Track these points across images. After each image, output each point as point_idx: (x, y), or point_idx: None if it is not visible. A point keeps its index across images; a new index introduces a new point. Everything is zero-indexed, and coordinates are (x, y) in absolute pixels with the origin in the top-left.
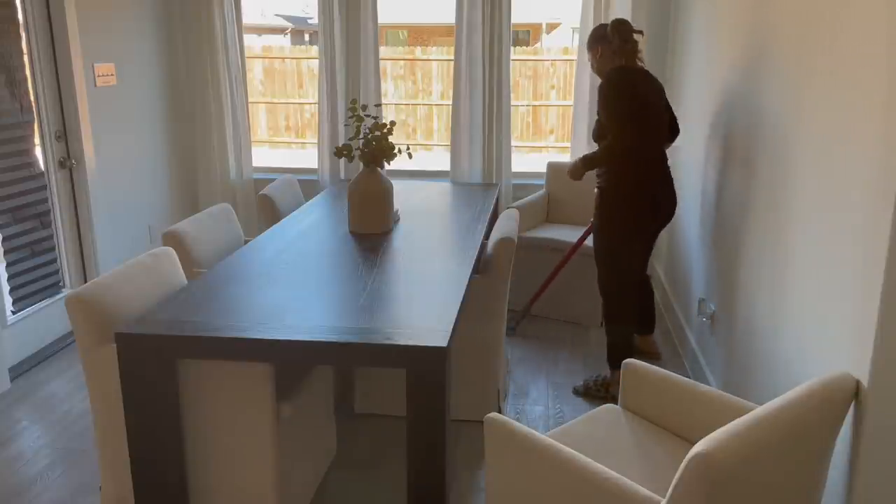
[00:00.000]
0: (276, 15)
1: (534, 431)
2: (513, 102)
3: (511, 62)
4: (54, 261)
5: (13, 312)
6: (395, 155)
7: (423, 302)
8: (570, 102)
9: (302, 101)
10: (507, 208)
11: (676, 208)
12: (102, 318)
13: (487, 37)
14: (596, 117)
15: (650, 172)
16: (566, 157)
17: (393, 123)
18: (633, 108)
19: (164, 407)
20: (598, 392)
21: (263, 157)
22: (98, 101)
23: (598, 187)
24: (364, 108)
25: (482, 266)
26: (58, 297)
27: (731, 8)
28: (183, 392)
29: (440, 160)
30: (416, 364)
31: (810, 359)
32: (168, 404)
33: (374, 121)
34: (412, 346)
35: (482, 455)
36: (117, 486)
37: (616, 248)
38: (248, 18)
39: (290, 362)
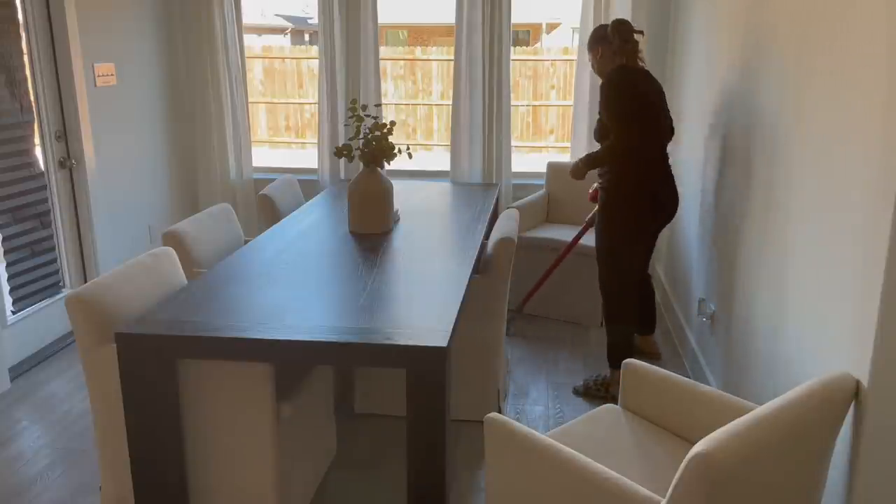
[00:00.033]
0: (276, 15)
1: (534, 431)
2: (513, 102)
3: (511, 62)
4: (54, 261)
5: (13, 312)
6: (395, 155)
7: (423, 302)
8: (570, 102)
9: (302, 101)
10: (507, 208)
11: (679, 207)
12: (102, 318)
13: (487, 37)
14: (598, 117)
15: (651, 172)
16: (566, 158)
17: (393, 123)
18: (633, 107)
19: (164, 407)
20: (599, 392)
21: (263, 157)
22: (98, 101)
23: (601, 187)
24: (364, 108)
25: (482, 266)
26: (58, 297)
27: (730, 8)
28: (183, 392)
29: (440, 160)
30: (416, 364)
31: (810, 359)
32: (168, 404)
33: (374, 121)
34: (412, 346)
35: (482, 455)
36: (117, 486)
37: (617, 248)
38: (248, 18)
39: (290, 362)
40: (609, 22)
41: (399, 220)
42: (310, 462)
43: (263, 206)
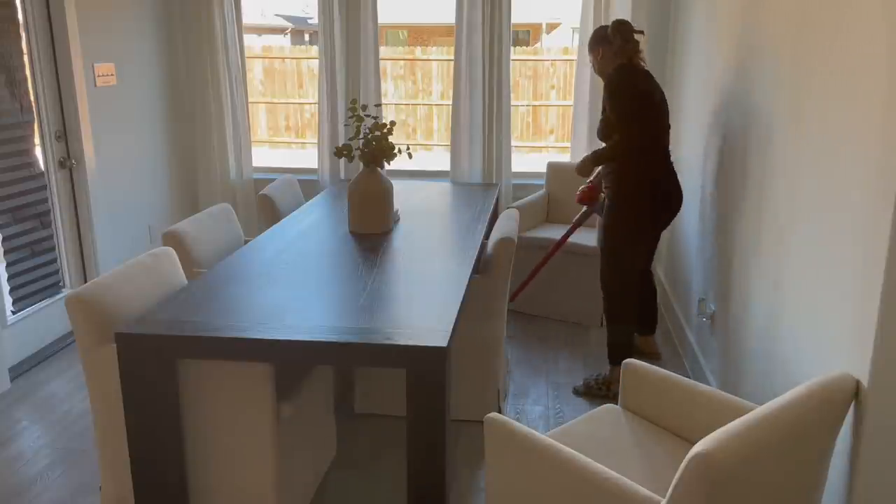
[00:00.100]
0: (276, 15)
1: (534, 431)
2: (513, 102)
3: (511, 62)
4: (54, 261)
5: (13, 312)
6: (395, 155)
7: (423, 302)
8: (570, 102)
9: (302, 101)
10: (507, 208)
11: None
12: (102, 318)
13: (487, 37)
14: (600, 116)
15: (653, 170)
16: (566, 157)
17: (393, 123)
18: (633, 107)
19: (164, 407)
20: (600, 391)
21: (263, 157)
22: (98, 101)
23: (606, 187)
24: (364, 108)
25: (482, 266)
26: (58, 297)
27: (730, 8)
28: (183, 392)
29: (440, 160)
30: (416, 364)
31: (810, 359)
32: (168, 404)
33: (374, 121)
34: (412, 346)
35: (482, 455)
36: (117, 486)
37: (618, 248)
38: (248, 18)
39: (290, 362)
40: (609, 22)
41: (399, 220)
42: (310, 462)
43: (263, 206)
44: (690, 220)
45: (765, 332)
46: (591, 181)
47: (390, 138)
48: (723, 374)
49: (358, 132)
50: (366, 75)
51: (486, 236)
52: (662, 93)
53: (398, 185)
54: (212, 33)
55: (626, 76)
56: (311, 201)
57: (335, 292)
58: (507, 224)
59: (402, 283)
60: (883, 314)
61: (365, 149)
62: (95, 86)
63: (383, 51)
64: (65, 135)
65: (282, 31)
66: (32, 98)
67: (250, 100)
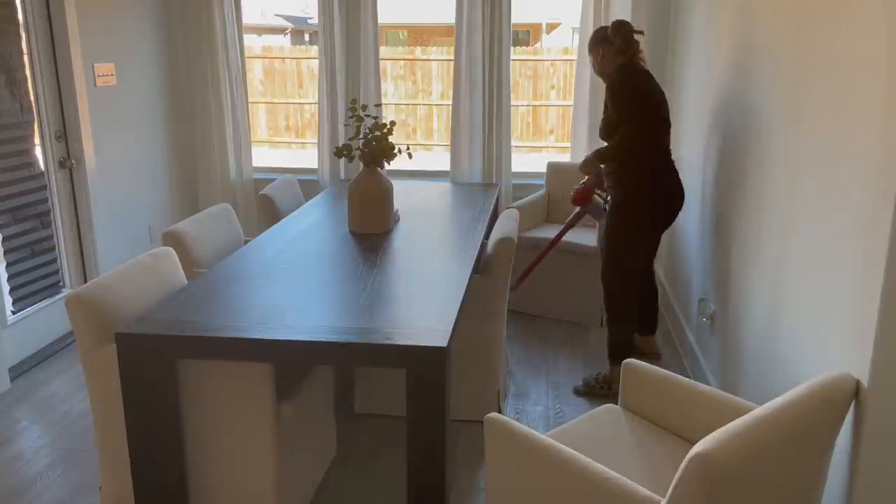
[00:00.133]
0: (276, 15)
1: (534, 431)
2: (513, 102)
3: (511, 62)
4: (54, 261)
5: (13, 312)
6: (395, 155)
7: (423, 302)
8: (570, 102)
9: (302, 101)
10: (507, 208)
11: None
12: (102, 318)
13: (487, 37)
14: (602, 116)
15: (654, 170)
16: (566, 157)
17: (393, 123)
18: (633, 106)
19: (164, 407)
20: (601, 390)
21: (263, 157)
22: (98, 101)
23: (608, 186)
24: (364, 108)
25: (482, 266)
26: (58, 297)
27: (730, 8)
28: (183, 392)
29: (440, 160)
30: (416, 364)
31: (810, 359)
32: (168, 404)
33: (374, 121)
34: (412, 346)
35: (482, 455)
36: (117, 486)
37: (619, 248)
38: (248, 18)
39: (290, 362)
40: (609, 23)
41: (399, 220)
42: (310, 462)
43: (263, 206)
44: (690, 220)
45: (765, 332)
46: (584, 182)
47: (390, 138)
48: (722, 374)
49: (358, 132)
50: (366, 75)
51: (486, 236)
52: (663, 93)
53: (398, 185)
54: (212, 33)
55: (627, 76)
56: (311, 201)
57: (335, 292)
58: (507, 224)
59: (402, 283)
60: (883, 314)
61: (365, 149)
62: (95, 86)
63: (383, 51)
64: (65, 135)
65: (282, 31)
66: (32, 98)
67: (250, 100)
